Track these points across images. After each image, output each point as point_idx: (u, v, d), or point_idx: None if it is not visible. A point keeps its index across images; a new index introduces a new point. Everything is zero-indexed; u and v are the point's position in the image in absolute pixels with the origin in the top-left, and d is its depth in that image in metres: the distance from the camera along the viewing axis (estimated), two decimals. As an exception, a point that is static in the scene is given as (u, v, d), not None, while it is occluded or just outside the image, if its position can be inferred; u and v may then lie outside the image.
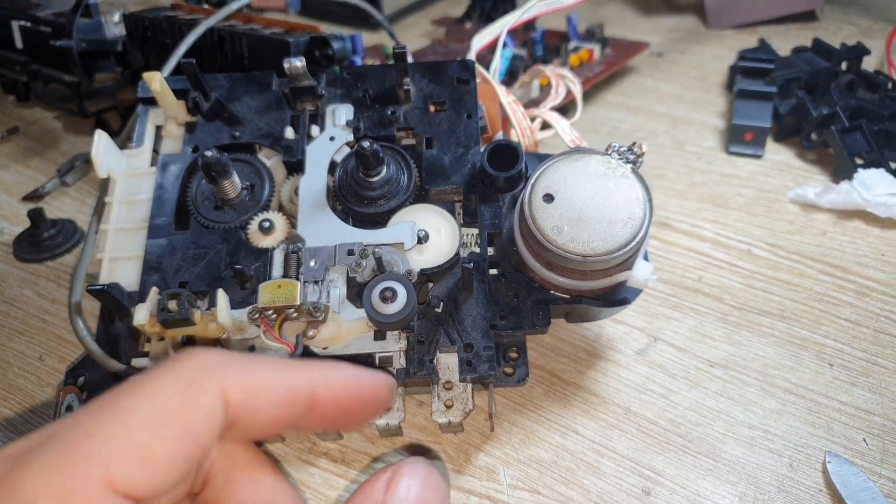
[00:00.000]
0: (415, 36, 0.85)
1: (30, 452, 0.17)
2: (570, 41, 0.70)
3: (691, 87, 0.71)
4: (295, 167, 0.40)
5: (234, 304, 0.35)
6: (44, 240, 0.52)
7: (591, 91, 0.69)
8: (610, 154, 0.35)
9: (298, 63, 0.39)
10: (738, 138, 0.59)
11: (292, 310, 0.34)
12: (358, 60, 0.62)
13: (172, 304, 0.33)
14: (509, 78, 0.63)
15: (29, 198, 0.59)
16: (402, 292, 0.33)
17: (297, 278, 0.36)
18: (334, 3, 0.86)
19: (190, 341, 0.35)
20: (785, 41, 0.75)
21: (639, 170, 0.35)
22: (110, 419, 0.18)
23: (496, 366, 0.35)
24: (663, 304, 0.44)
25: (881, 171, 0.50)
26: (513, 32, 0.69)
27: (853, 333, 0.41)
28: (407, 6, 0.91)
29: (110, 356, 0.34)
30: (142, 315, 0.33)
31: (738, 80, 0.63)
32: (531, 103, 0.60)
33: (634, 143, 0.35)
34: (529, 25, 0.73)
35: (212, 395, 0.20)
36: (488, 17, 0.78)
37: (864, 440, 0.35)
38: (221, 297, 0.34)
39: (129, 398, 0.19)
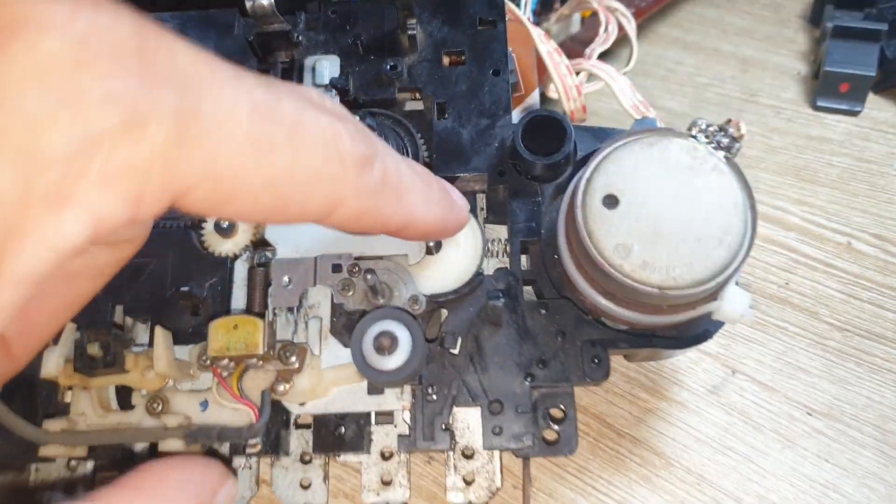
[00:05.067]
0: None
1: None
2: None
3: (763, 19, 0.59)
4: (265, 142, 0.30)
5: (184, 337, 0.27)
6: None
7: (641, 23, 0.57)
8: (695, 136, 0.25)
9: (265, 2, 0.29)
10: (831, 89, 0.47)
11: (255, 359, 0.25)
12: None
13: (94, 349, 0.24)
14: (541, 8, 0.51)
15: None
16: (404, 338, 0.24)
17: (266, 301, 0.27)
18: None
19: (125, 391, 0.26)
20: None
21: (735, 159, 0.26)
22: None
23: (534, 431, 0.26)
24: (742, 319, 0.34)
25: None
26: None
27: None
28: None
29: (23, 412, 0.26)
30: (52, 364, 0.24)
31: (828, 11, 0.50)
32: (570, 42, 0.48)
33: (729, 121, 0.26)
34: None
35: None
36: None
37: None
38: (161, 337, 0.25)
39: None
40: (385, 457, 0.26)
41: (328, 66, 0.31)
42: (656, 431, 0.30)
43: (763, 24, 0.59)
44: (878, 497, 0.28)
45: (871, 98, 0.48)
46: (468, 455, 0.26)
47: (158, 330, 0.25)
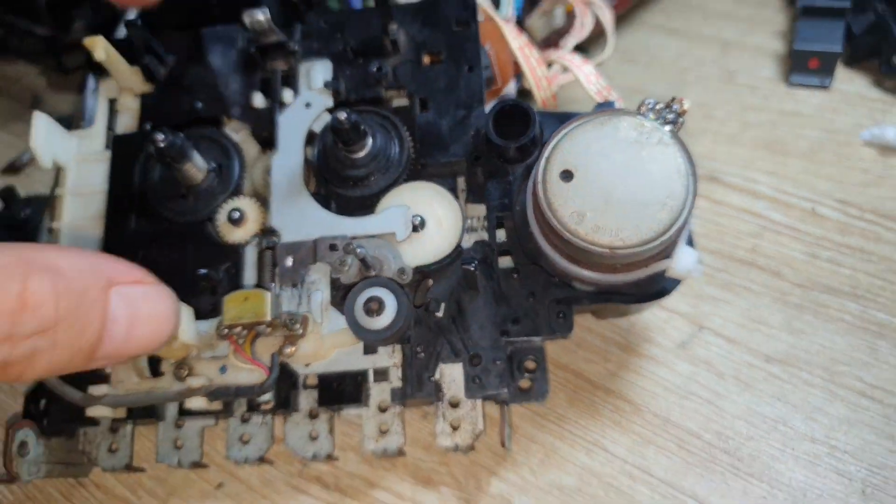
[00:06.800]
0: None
1: None
2: (600, -46, 0.60)
3: (744, 2, 0.61)
4: (268, 141, 0.34)
5: (205, 313, 0.31)
6: (19, 221, 0.47)
7: (626, 12, 0.60)
8: (644, 114, 0.28)
9: (261, 16, 0.33)
10: (801, 66, 0.49)
11: (263, 325, 0.29)
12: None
13: None
14: (529, 5, 0.54)
15: (7, 170, 0.54)
16: (390, 302, 0.28)
17: (273, 279, 0.31)
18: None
19: (155, 360, 0.30)
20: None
21: (679, 132, 0.29)
22: None
23: (509, 380, 0.29)
24: (711, 281, 0.37)
25: (981, 104, 0.42)
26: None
27: (943, 316, 0.34)
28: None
29: (70, 380, 0.30)
30: None
31: (801, -9, 0.53)
32: (555, 35, 0.52)
33: (674, 99, 0.29)
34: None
35: None
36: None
37: (958, 459, 0.29)
38: (185, 312, 0.29)
39: None
40: (382, 409, 0.30)
41: (321, 71, 0.35)
42: (628, 382, 0.34)
43: (743, 7, 0.61)
44: (821, 427, 0.31)
45: (842, 72, 0.51)
46: (454, 404, 0.30)
47: (182, 306, 0.29)
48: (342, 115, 0.29)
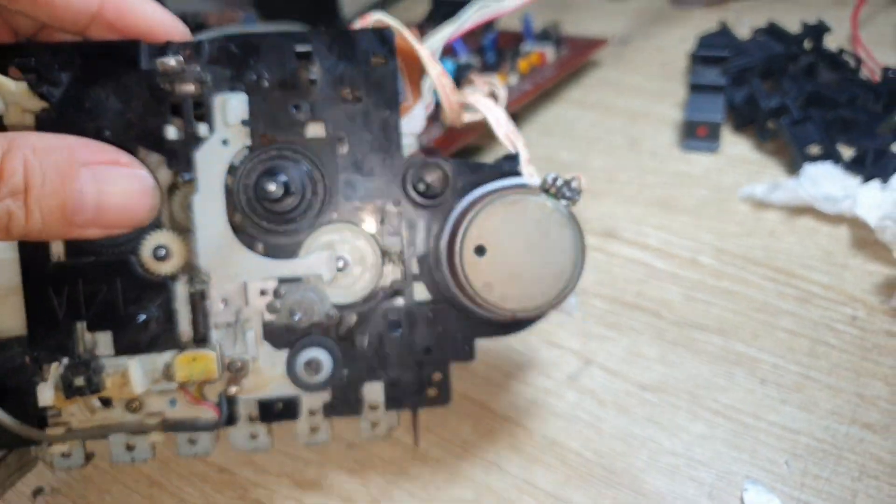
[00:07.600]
0: (375, 37, 0.83)
1: None
2: (524, 43, 0.68)
3: (653, 76, 0.70)
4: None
5: (144, 347, 0.33)
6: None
7: (549, 89, 0.68)
8: (548, 191, 0.32)
9: (173, 62, 0.32)
10: (692, 134, 0.57)
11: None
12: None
13: (79, 381, 0.32)
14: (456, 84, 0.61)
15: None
16: (326, 361, 0.34)
17: (207, 321, 0.34)
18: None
19: (107, 401, 0.35)
20: (764, 16, 0.69)
21: (573, 208, 0.32)
22: None
23: (420, 391, 0.35)
24: (600, 322, 0.43)
25: (829, 164, 0.49)
26: (467, 37, 0.67)
27: (789, 345, 0.40)
28: (369, 5, 0.89)
29: (26, 415, 0.33)
30: (47, 396, 0.32)
31: (694, 69, 0.61)
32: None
33: (573, 178, 0.32)
34: (489, 26, 0.70)
35: None
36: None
37: (787, 463, 0.34)
38: (133, 368, 0.33)
39: None
40: (312, 413, 0.35)
41: (237, 105, 0.33)
42: (524, 411, 0.39)
43: (652, 81, 0.70)
44: (682, 442, 0.36)
45: (730, 137, 0.59)
46: (374, 408, 0.35)
47: (131, 364, 0.33)
48: (272, 187, 0.32)
